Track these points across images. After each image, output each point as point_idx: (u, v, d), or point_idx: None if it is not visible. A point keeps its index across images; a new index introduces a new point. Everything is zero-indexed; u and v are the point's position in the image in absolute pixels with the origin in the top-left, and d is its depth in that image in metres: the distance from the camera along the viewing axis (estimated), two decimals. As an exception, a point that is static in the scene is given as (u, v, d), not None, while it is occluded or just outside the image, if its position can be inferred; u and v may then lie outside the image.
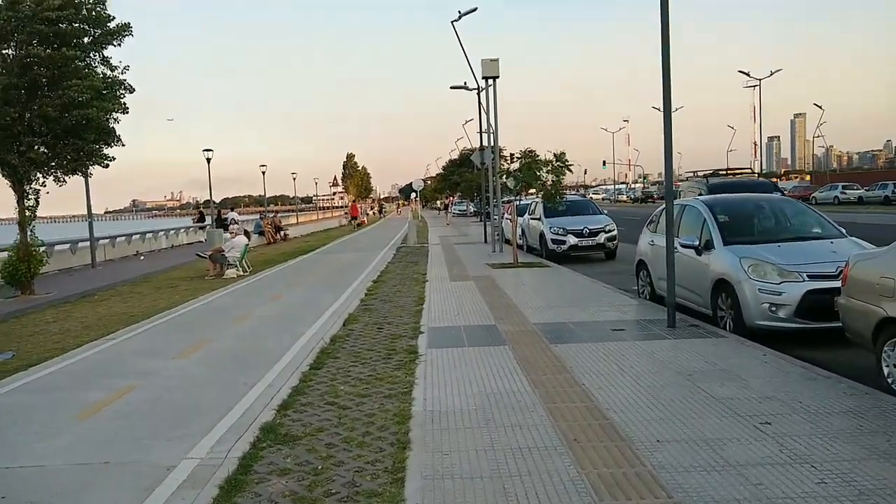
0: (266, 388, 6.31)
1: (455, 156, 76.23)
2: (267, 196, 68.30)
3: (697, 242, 9.01)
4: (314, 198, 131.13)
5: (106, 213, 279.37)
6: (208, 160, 41.27)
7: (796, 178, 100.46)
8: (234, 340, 8.69)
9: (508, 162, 24.80)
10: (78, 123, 15.24)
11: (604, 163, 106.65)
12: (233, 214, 40.40)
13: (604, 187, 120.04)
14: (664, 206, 11.45)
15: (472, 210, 65.18)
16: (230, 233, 22.10)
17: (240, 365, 7.33)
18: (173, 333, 9.56)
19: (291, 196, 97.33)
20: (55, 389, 6.71)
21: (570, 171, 17.49)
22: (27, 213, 15.85)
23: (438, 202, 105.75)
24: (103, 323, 10.88)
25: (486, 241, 25.32)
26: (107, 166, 16.39)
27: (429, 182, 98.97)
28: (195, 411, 5.72)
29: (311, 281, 15.38)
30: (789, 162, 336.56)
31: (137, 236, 31.33)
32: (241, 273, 17.35)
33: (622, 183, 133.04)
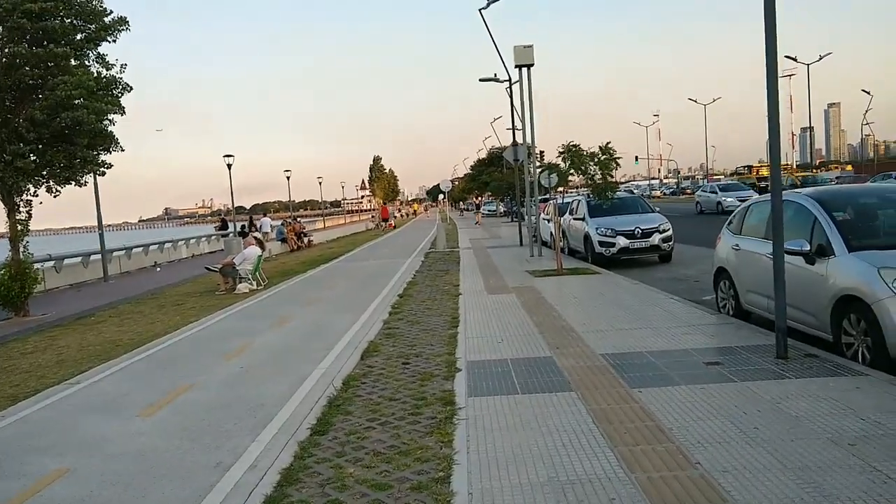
0: (244, 474, 4.48)
1: (483, 155, 74.56)
2: (296, 201, 67.24)
3: (808, 248, 7.01)
4: (342, 201, 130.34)
5: (140, 220, 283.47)
6: (229, 166, 40.32)
7: (836, 167, 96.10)
8: (221, 386, 6.91)
9: (540, 159, 22.95)
10: (68, 126, 13.70)
11: (636, 158, 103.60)
12: (265, 220, 38.90)
13: (634, 183, 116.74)
14: (748, 202, 9.53)
15: (501, 210, 63.52)
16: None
17: (217, 429, 5.53)
18: (151, 374, 7.81)
19: (320, 200, 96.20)
20: (-36, 474, 4.98)
21: (617, 164, 15.59)
22: (19, 228, 14.41)
23: (461, 203, 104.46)
24: (82, 356, 9.24)
25: (521, 244, 23.42)
26: (103, 174, 14.89)
27: (456, 183, 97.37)
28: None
29: (328, 296, 13.61)
30: (824, 153, 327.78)
31: (155, 247, 30.02)
32: (254, 287, 15.68)
33: (653, 178, 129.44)
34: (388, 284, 14.60)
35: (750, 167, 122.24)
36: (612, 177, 15.40)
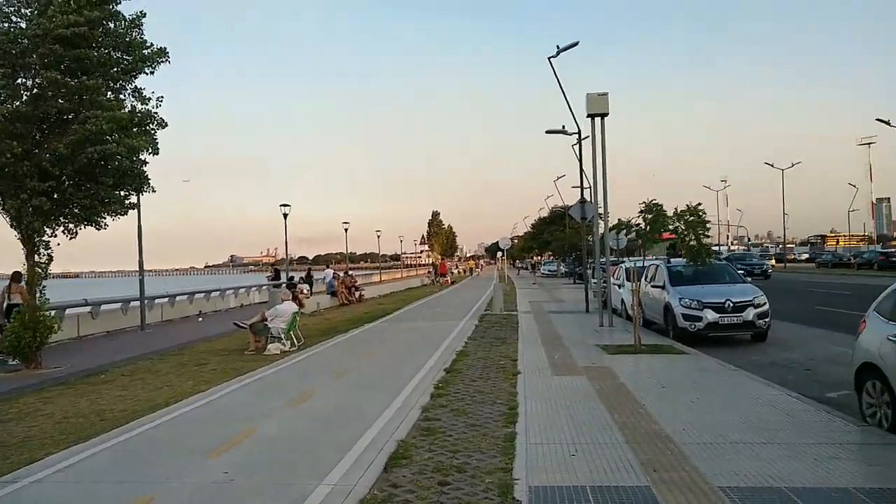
0: None
1: (545, 214, 72.99)
2: (357, 253, 66.71)
3: None
4: (401, 255, 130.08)
5: (206, 266, 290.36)
6: (285, 216, 39.71)
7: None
8: (187, 505, 5.03)
9: (604, 219, 20.99)
10: (94, 163, 12.51)
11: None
12: (328, 271, 37.71)
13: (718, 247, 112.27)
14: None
15: (562, 270, 61.33)
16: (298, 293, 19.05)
17: None
18: (109, 474, 5.94)
19: (379, 254, 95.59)
20: None
21: (707, 228, 13.52)
22: (37, 271, 13.17)
23: (517, 261, 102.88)
24: (55, 432, 7.59)
25: (587, 310, 21.18)
26: (125, 213, 13.55)
27: (516, 241, 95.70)
28: None
29: (364, 366, 11.74)
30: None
31: (201, 295, 28.90)
32: (286, 349, 13.94)
33: (721, 245, 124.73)
34: (436, 354, 12.64)
35: (823, 237, 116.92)
36: (708, 237, 13.33)
